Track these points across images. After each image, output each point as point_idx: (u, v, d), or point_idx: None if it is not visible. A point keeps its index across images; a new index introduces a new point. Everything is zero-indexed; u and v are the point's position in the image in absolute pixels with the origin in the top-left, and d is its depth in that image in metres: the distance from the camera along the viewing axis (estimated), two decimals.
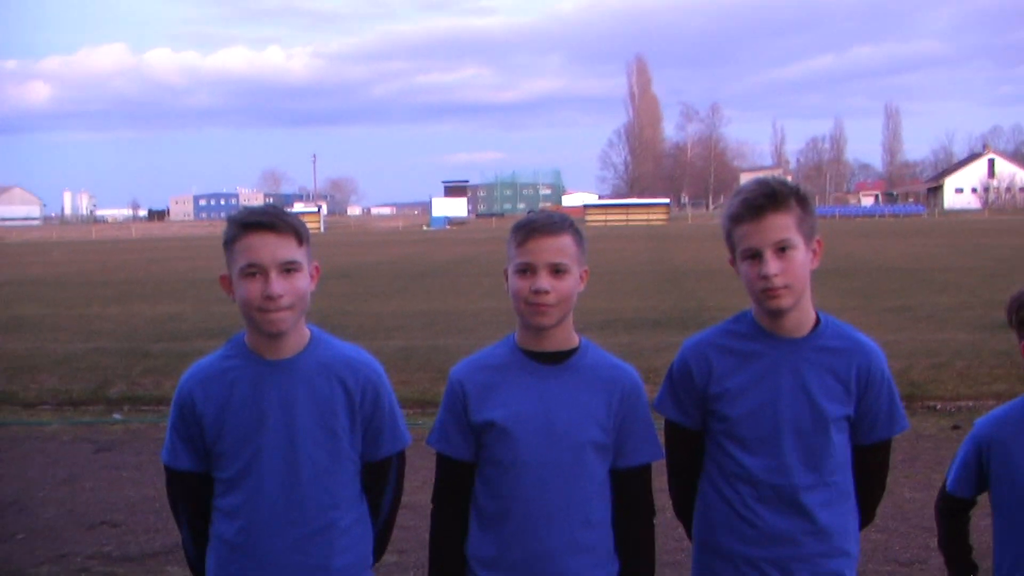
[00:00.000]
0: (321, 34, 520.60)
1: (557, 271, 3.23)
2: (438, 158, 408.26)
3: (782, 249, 3.18)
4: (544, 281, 3.21)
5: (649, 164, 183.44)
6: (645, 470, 3.43)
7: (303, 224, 3.27)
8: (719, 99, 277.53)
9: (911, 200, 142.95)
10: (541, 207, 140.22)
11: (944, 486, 3.77)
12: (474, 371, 3.41)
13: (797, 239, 3.20)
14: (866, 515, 3.52)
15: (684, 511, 3.60)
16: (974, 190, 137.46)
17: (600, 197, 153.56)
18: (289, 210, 3.44)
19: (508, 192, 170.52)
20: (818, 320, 3.37)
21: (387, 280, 31.27)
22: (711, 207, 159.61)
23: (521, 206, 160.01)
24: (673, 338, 15.73)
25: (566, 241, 3.27)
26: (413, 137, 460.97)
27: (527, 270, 3.24)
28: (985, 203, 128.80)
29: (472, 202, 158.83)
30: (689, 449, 3.51)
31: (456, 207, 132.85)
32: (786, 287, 3.19)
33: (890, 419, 3.40)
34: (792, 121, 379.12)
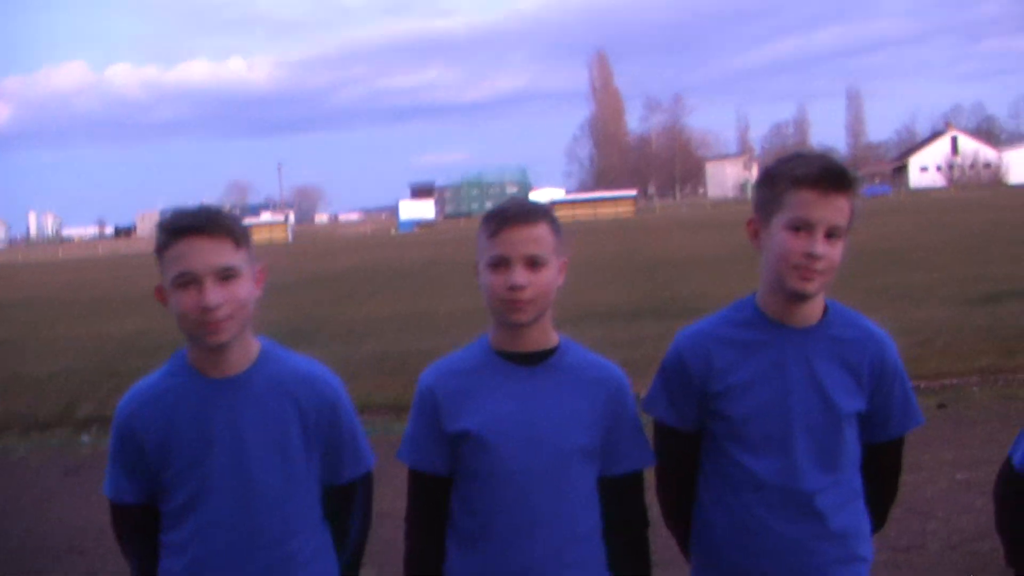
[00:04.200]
0: (282, 43, 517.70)
1: (534, 264, 2.95)
2: (405, 161, 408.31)
3: (831, 233, 2.92)
4: (520, 275, 2.92)
5: (614, 157, 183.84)
6: (636, 477, 3.15)
7: (240, 224, 2.96)
8: (682, 89, 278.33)
9: (877, 180, 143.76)
10: None
11: (1009, 464, 3.28)
12: (445, 376, 3.13)
13: (844, 229, 2.96)
14: (879, 519, 3.25)
15: (678, 524, 3.31)
16: (939, 168, 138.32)
17: (567, 192, 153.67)
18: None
19: (475, 192, 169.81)
20: (825, 307, 3.10)
21: (357, 285, 30.99)
22: (679, 196, 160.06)
23: (488, 205, 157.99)
24: (649, 329, 15.60)
25: (543, 231, 2.99)
26: (379, 141, 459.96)
27: (501, 263, 2.95)
28: (950, 180, 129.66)
29: (439, 204, 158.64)
30: (683, 454, 3.22)
31: (423, 209, 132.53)
32: (821, 272, 2.92)
33: (904, 413, 3.14)
34: (755, 108, 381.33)
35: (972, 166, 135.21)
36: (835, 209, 2.92)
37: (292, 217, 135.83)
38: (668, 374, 3.20)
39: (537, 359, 3.07)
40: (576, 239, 48.88)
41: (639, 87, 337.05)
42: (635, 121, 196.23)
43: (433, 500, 3.12)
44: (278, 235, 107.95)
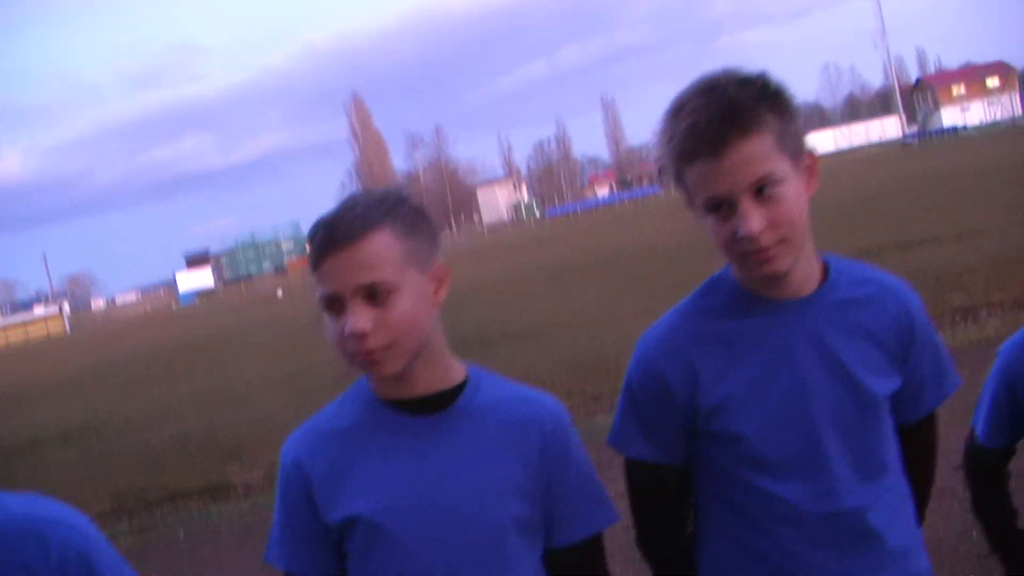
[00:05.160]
0: (32, 129, 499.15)
1: (374, 296, 2.07)
2: (176, 233, 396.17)
3: (760, 190, 2.09)
4: (359, 318, 2.06)
5: None
6: (594, 543, 2.31)
7: None
8: (442, 122, 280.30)
9: (646, 182, 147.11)
10: (288, 262, 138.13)
11: (973, 437, 2.83)
12: (315, 444, 2.21)
13: (782, 167, 2.12)
14: (919, 515, 2.48)
15: None
16: None
17: None
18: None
19: (251, 254, 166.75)
20: (825, 265, 2.32)
21: (143, 369, 29.33)
22: (454, 228, 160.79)
23: (267, 265, 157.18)
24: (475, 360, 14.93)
25: (379, 243, 2.09)
26: (146, 217, 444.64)
27: (333, 304, 2.09)
28: None
29: (217, 271, 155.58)
30: (673, 494, 2.41)
31: (201, 278, 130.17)
32: (780, 242, 2.11)
33: (939, 380, 2.40)
34: (516, 130, 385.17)
35: None
36: (745, 164, 2.08)
37: (67, 307, 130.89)
38: (637, 397, 2.37)
39: (439, 403, 2.20)
40: None
41: (400, 126, 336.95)
42: (400, 160, 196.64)
43: None
44: (55, 328, 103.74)
